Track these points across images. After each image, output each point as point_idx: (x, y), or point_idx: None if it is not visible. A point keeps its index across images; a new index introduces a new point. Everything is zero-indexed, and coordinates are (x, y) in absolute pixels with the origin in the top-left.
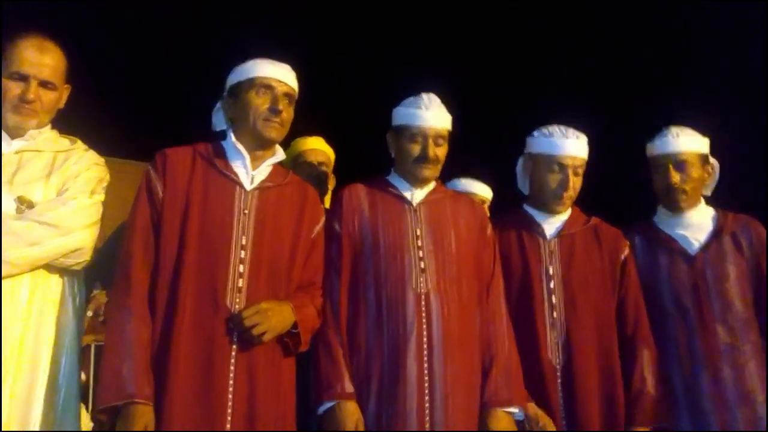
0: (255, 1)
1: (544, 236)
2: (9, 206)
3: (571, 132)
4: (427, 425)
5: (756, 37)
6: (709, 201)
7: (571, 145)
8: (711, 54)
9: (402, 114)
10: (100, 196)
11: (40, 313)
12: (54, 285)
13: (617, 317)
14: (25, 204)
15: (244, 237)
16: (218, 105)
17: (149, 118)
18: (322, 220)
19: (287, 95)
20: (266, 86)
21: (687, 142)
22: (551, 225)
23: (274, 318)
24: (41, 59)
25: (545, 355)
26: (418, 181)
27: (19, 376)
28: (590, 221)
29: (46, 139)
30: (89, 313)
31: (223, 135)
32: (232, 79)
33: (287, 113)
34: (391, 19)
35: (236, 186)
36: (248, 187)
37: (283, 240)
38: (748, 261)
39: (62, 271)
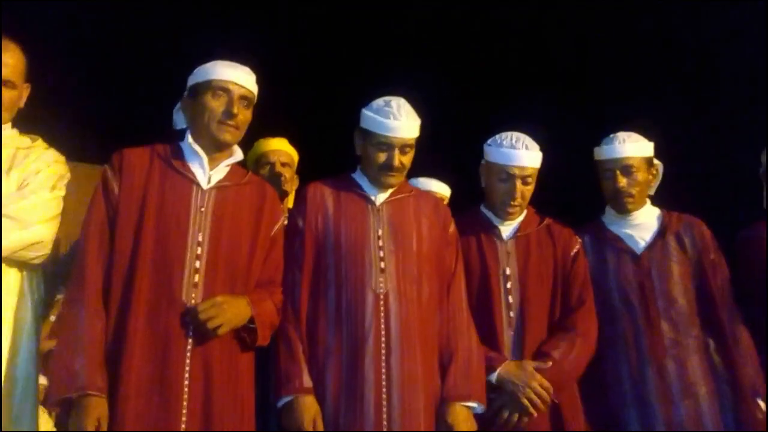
0: (221, 3)
1: (501, 237)
2: None
3: (521, 142)
4: (385, 425)
5: (714, 42)
6: (655, 201)
7: (520, 156)
8: (662, 59)
9: (370, 120)
10: (61, 192)
11: None
12: (13, 280)
13: (562, 307)
14: None
15: (200, 234)
16: (179, 104)
17: (118, 123)
18: (282, 218)
19: (244, 98)
20: (223, 89)
21: (633, 148)
22: (507, 227)
23: (230, 311)
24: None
25: (503, 353)
26: (382, 187)
27: None
28: (544, 221)
29: (6, 137)
30: (52, 317)
31: (183, 133)
32: (192, 79)
33: (243, 116)
34: (356, 17)
35: (193, 185)
36: (205, 186)
37: (240, 238)
38: (691, 259)
39: (21, 265)
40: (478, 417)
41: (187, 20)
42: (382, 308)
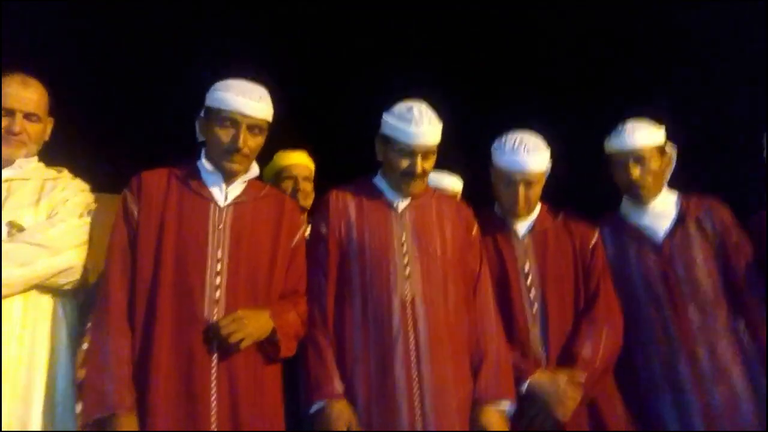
0: (233, 10)
1: (517, 236)
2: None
3: (523, 146)
4: (419, 428)
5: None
6: (672, 185)
7: (522, 162)
8: (666, 45)
9: (392, 126)
10: (88, 218)
11: (33, 334)
12: (46, 305)
13: (585, 299)
14: (15, 228)
15: (219, 251)
16: (197, 120)
17: (140, 151)
18: (302, 229)
19: (254, 127)
20: (231, 120)
21: (643, 136)
22: (522, 224)
23: (251, 325)
24: (24, 93)
25: (530, 349)
26: (404, 194)
27: (15, 398)
28: (559, 216)
29: (33, 169)
30: (84, 346)
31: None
32: (208, 99)
33: (253, 144)
34: (367, 23)
35: (210, 203)
36: (222, 203)
37: (260, 251)
38: (713, 243)
39: (54, 291)
40: (512, 423)
41: (196, 43)
42: (409, 314)
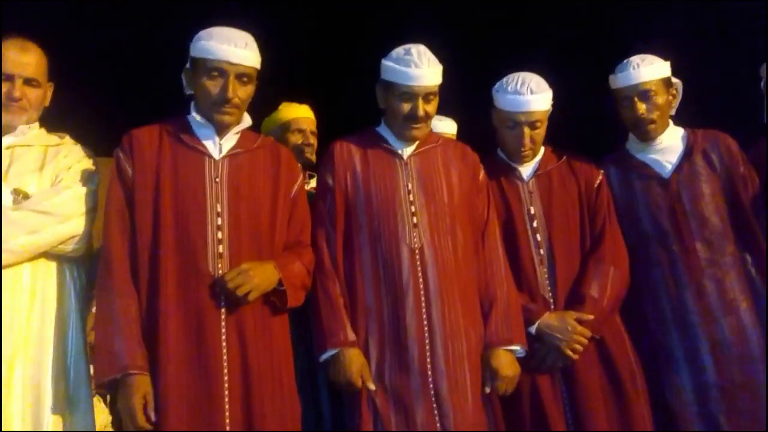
0: None
1: (521, 178)
2: (5, 198)
3: (526, 86)
4: (430, 374)
5: None
6: (677, 120)
7: (525, 102)
8: None
9: (391, 70)
10: (93, 186)
11: (43, 300)
12: (55, 271)
13: (590, 238)
14: (20, 195)
15: (218, 204)
16: (183, 72)
17: (139, 112)
18: (300, 178)
19: (243, 75)
20: (218, 70)
21: (649, 71)
22: (526, 167)
23: (257, 277)
24: (23, 58)
25: (538, 291)
26: (408, 140)
27: (27, 362)
28: (563, 157)
29: (35, 135)
30: (93, 310)
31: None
32: (192, 50)
33: (243, 94)
34: None
35: (205, 157)
36: (217, 156)
37: (260, 203)
38: (720, 176)
39: (61, 257)
40: (523, 364)
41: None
42: (418, 262)
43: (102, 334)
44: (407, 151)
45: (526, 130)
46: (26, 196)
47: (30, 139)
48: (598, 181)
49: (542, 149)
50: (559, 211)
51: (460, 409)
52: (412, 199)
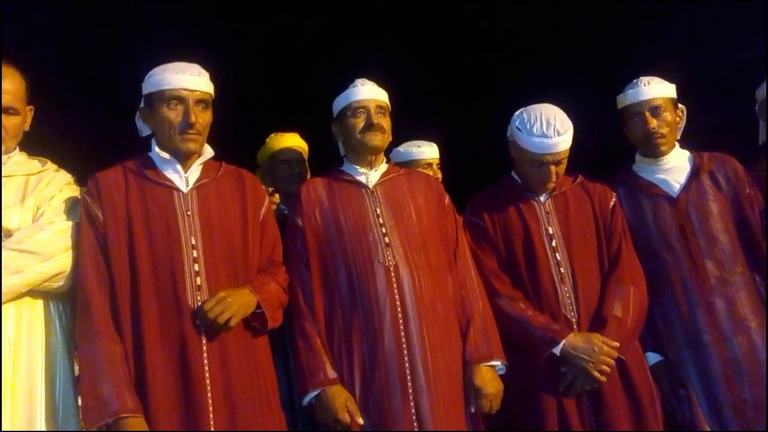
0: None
1: (538, 200)
2: None
3: (553, 129)
4: (410, 391)
5: None
6: (683, 144)
7: (553, 145)
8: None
9: (340, 99)
10: (75, 218)
11: (29, 339)
12: (39, 309)
13: (609, 260)
14: (2, 233)
15: (192, 237)
16: (138, 113)
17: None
18: (266, 200)
19: (201, 102)
20: (177, 98)
21: (659, 88)
22: None
23: (236, 303)
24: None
25: (560, 310)
26: (369, 153)
27: (17, 402)
28: (577, 179)
29: (15, 163)
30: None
31: (149, 140)
32: (145, 87)
33: (203, 120)
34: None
35: (173, 191)
36: (185, 189)
37: (231, 230)
38: (728, 196)
39: (45, 294)
40: (550, 387)
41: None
42: (393, 279)
43: (88, 380)
44: (372, 180)
45: (553, 168)
46: (8, 233)
47: (10, 169)
48: (612, 203)
49: None
50: (577, 230)
51: (441, 425)
52: (382, 221)
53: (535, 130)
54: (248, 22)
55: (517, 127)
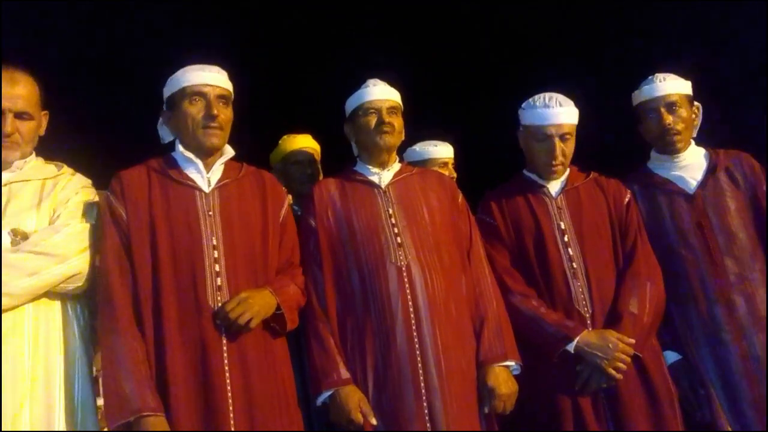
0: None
1: (549, 195)
2: (4, 240)
3: (555, 100)
4: (423, 392)
5: None
6: (698, 142)
7: (555, 114)
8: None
9: (352, 100)
10: (92, 219)
11: (47, 341)
12: (56, 310)
13: (624, 256)
14: (19, 236)
15: (213, 237)
16: (160, 119)
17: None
18: (286, 201)
19: (221, 97)
20: (198, 93)
21: (675, 85)
22: (554, 184)
23: (256, 304)
24: (14, 91)
25: (573, 306)
26: (382, 152)
27: (35, 405)
28: (590, 175)
29: (32, 168)
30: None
31: (173, 145)
32: (166, 91)
33: (225, 115)
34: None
35: (195, 191)
36: (207, 189)
37: (252, 231)
38: (745, 193)
39: (62, 295)
40: (565, 385)
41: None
42: (405, 279)
43: (110, 378)
44: (384, 180)
45: (557, 141)
46: (25, 236)
47: (26, 173)
48: (627, 199)
49: (569, 168)
50: (590, 226)
51: (454, 426)
52: (394, 221)
53: (538, 103)
54: (260, 23)
55: (522, 108)
